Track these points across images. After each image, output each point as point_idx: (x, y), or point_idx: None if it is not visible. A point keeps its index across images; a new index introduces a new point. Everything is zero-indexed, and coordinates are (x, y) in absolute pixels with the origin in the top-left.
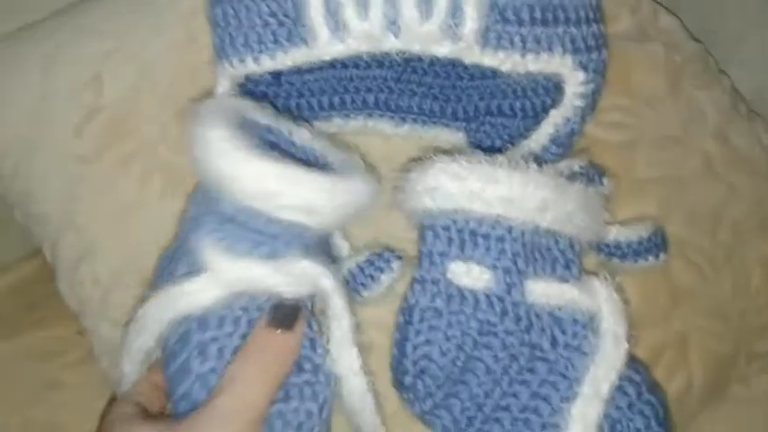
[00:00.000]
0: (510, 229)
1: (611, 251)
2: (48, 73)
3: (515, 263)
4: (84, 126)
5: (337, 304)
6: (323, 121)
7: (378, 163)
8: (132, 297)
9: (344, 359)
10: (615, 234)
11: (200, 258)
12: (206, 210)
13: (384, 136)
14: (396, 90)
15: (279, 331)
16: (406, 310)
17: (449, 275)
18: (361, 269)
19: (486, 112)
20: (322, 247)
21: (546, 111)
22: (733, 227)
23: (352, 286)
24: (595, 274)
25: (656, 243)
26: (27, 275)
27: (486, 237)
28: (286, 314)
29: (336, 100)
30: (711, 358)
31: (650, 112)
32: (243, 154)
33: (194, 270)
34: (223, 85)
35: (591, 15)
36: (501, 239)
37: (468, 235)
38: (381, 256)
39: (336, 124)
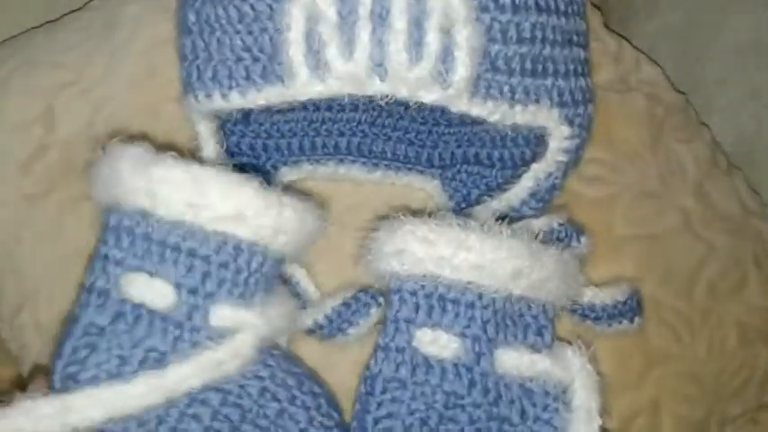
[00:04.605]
0: (480, 296)
1: (586, 313)
2: None
3: (485, 330)
4: (32, 163)
5: None
6: (291, 166)
7: (347, 211)
8: None
9: None
10: (590, 297)
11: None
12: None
13: (355, 182)
14: (369, 134)
15: None
16: (368, 380)
17: (415, 343)
18: (339, 313)
19: (464, 161)
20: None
21: (525, 162)
22: (709, 287)
23: (330, 331)
24: (569, 341)
25: (632, 307)
26: None
27: (455, 302)
28: None
29: (306, 143)
30: (683, 424)
31: (630, 166)
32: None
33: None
34: (196, 120)
35: (580, 69)
36: (471, 306)
37: (436, 300)
38: (358, 299)
39: (305, 170)
